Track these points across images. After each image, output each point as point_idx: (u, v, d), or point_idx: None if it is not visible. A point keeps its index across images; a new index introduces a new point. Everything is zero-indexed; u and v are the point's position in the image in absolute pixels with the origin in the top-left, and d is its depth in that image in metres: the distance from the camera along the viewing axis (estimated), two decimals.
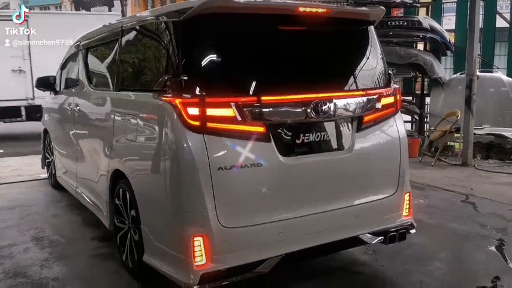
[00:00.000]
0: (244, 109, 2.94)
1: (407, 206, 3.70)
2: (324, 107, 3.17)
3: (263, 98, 3.00)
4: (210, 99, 2.89)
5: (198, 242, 2.88)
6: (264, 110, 3.00)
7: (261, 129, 3.02)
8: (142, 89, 3.47)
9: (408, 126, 9.84)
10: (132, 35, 3.77)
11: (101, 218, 4.29)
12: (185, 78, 2.91)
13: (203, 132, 2.88)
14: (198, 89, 2.90)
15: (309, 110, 3.13)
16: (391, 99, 3.61)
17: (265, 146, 3.04)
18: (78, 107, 4.79)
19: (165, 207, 3.03)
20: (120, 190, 3.70)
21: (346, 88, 3.44)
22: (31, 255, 4.14)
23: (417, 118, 9.84)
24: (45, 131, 6.41)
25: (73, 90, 5.11)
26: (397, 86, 3.71)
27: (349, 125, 3.40)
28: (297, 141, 3.19)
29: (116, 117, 3.75)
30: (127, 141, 3.54)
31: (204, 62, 2.98)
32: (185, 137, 2.87)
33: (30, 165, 8.04)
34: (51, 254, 4.17)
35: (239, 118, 2.94)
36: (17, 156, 9.13)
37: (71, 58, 5.46)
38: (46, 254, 4.15)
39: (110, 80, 4.08)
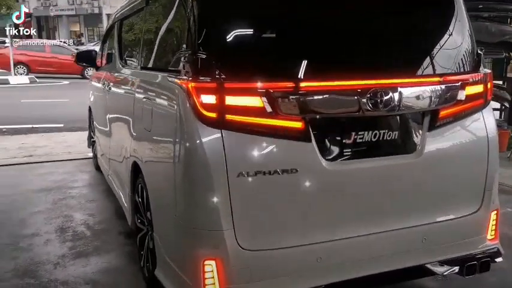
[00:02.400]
0: (277, 98, 2.24)
1: (494, 228, 2.84)
2: (385, 98, 2.39)
3: (302, 83, 2.28)
4: (230, 84, 2.21)
5: (210, 267, 2.25)
6: (303, 99, 2.28)
7: (298, 124, 2.30)
8: (160, 68, 2.86)
9: (496, 114, 8.56)
10: (155, 2, 3.16)
11: (125, 212, 3.81)
12: (202, 56, 2.25)
13: (221, 126, 2.22)
14: (217, 70, 2.22)
15: (364, 101, 2.36)
16: (479, 88, 2.74)
17: (303, 147, 2.32)
18: (109, 86, 4.31)
19: (174, 218, 2.43)
20: (139, 186, 3.16)
21: (418, 72, 2.61)
22: (49, 250, 3.74)
23: (507, 106, 8.52)
24: (90, 109, 6.07)
25: (109, 66, 4.64)
26: (488, 71, 2.81)
27: (420, 121, 2.60)
28: (347, 142, 2.44)
29: (136, 100, 3.19)
30: (143, 131, 2.97)
31: (227, 36, 2.29)
32: (197, 133, 2.23)
33: (84, 142, 7.83)
34: (70, 249, 3.75)
35: (269, 110, 2.24)
36: (75, 132, 9.00)
37: (110, 31, 4.98)
38: (65, 249, 3.74)
39: (135, 57, 3.53)
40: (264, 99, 2.23)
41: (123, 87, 3.78)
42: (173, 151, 2.40)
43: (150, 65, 3.09)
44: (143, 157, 2.96)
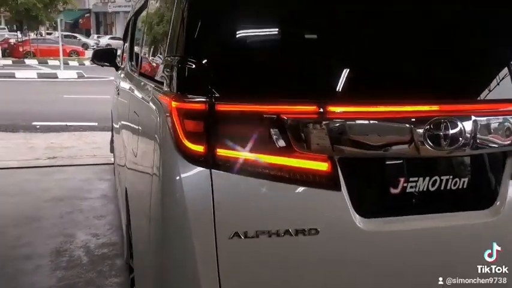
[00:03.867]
0: (293, 128, 1.56)
1: None
2: (452, 131, 1.66)
3: (330, 108, 1.59)
4: (226, 106, 1.55)
5: None
6: (331, 130, 1.59)
7: (323, 166, 1.61)
8: (150, 76, 2.25)
9: None
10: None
11: (124, 240, 3.23)
12: (191, 65, 1.60)
13: (210, 165, 1.56)
14: (209, 85, 1.57)
15: (420, 134, 1.64)
16: None
17: (328, 198, 1.63)
18: (118, 89, 3.76)
19: (151, 279, 1.79)
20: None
21: (495, 95, 1.83)
22: (36, 279, 3.21)
23: None
24: (112, 112, 5.58)
25: (123, 67, 4.10)
26: None
27: (499, 164, 1.84)
28: (393, 191, 1.72)
29: (130, 114, 2.60)
30: (131, 152, 2.37)
31: (227, 39, 1.63)
32: (177, 171, 1.58)
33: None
34: (60, 280, 3.20)
35: (281, 144, 1.57)
36: (107, 131, 8.60)
37: (127, 27, 4.42)
38: (54, 280, 3.20)
39: (137, 60, 2.94)
40: (274, 128, 1.56)
41: (125, 94, 3.21)
42: (150, 192, 1.77)
43: (144, 71, 2.50)
44: (130, 187, 2.37)
